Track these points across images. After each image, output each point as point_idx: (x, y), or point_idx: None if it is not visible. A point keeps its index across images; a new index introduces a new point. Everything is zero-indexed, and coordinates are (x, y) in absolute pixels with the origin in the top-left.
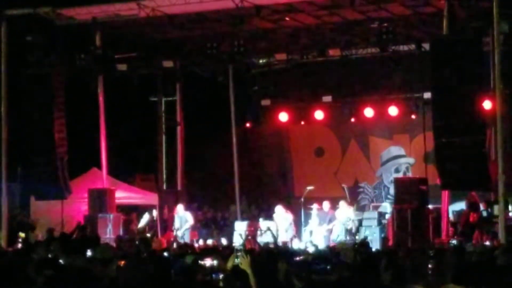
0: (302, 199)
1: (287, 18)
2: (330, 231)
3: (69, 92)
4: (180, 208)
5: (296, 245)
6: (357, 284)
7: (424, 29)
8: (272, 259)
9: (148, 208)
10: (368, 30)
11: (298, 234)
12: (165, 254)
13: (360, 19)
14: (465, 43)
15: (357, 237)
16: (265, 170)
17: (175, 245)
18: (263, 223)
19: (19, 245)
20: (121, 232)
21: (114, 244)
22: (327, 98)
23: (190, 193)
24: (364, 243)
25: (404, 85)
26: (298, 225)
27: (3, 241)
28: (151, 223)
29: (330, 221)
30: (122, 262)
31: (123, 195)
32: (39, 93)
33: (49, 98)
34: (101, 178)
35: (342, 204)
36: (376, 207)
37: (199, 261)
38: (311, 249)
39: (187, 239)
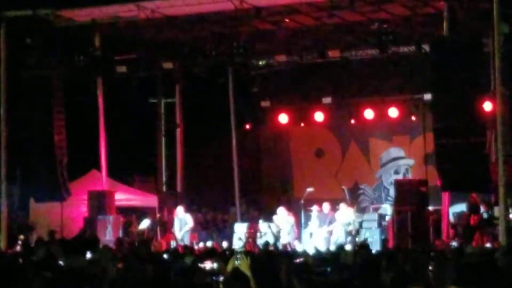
0: (302, 201)
1: (286, 20)
2: (330, 233)
3: (68, 94)
4: (180, 210)
5: (298, 247)
6: (357, 286)
7: (424, 30)
8: (272, 261)
9: (148, 210)
10: (368, 31)
11: (298, 236)
12: (165, 256)
13: (360, 20)
14: (465, 44)
15: (357, 239)
16: (265, 171)
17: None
18: (263, 225)
19: (18, 248)
20: (120, 234)
21: (113, 246)
22: (327, 100)
23: (190, 195)
24: (364, 245)
25: (404, 87)
26: (298, 227)
27: (2, 243)
28: (151, 227)
29: (330, 223)
30: (122, 264)
31: (123, 197)
32: (39, 95)
33: (48, 100)
34: (101, 180)
35: (342, 205)
36: (376, 209)
37: (199, 264)
38: (311, 251)
39: (186, 241)
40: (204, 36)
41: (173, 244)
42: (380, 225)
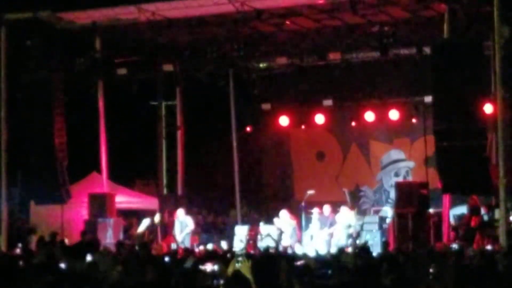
0: (303, 203)
1: (287, 22)
2: (331, 235)
3: (69, 96)
4: (180, 213)
5: (298, 249)
6: None
7: (425, 33)
8: (272, 263)
9: (148, 212)
10: (368, 33)
11: (300, 239)
12: (165, 259)
13: (361, 22)
14: (466, 47)
15: (358, 241)
16: (265, 174)
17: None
18: (263, 228)
19: (18, 250)
20: (121, 237)
21: (114, 249)
22: (328, 102)
23: (191, 198)
24: (365, 248)
25: (405, 89)
26: (299, 229)
27: (3, 246)
28: (151, 228)
29: (331, 225)
30: (122, 267)
31: (123, 200)
32: (39, 97)
33: (49, 102)
34: (101, 182)
35: (343, 208)
36: (377, 211)
37: (200, 266)
38: (312, 254)
39: (187, 244)
40: (205, 39)
41: (173, 246)
42: (380, 227)
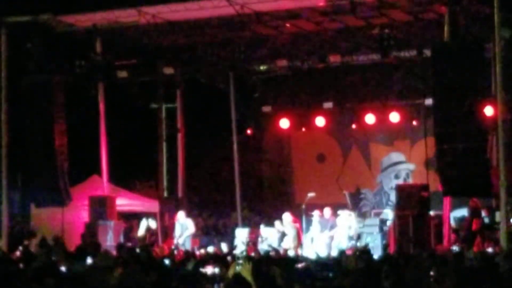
0: (304, 206)
1: (287, 25)
2: (332, 238)
3: (69, 99)
4: (181, 215)
5: (301, 253)
6: None
7: (425, 35)
8: (272, 266)
9: (149, 215)
10: (369, 36)
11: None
12: (166, 261)
13: (361, 25)
14: (466, 49)
15: (358, 244)
16: (266, 176)
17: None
18: (264, 230)
19: (18, 253)
20: (122, 240)
21: (114, 252)
22: (328, 105)
23: (191, 200)
24: (366, 250)
25: (405, 91)
26: (301, 232)
27: (3, 249)
28: (151, 230)
29: (332, 228)
30: (123, 270)
31: (124, 202)
32: (39, 100)
33: (49, 105)
34: (102, 185)
35: (344, 210)
36: (377, 214)
37: (201, 269)
38: (312, 256)
39: (188, 247)
40: (205, 41)
41: (174, 249)
42: (381, 230)
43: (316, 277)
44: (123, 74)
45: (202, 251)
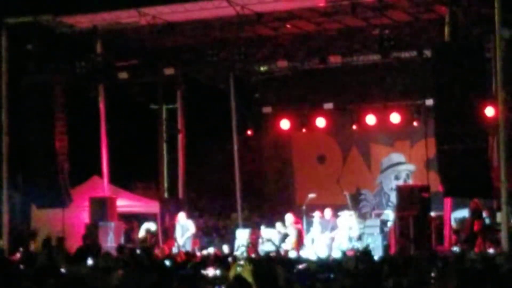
0: (304, 207)
1: (288, 25)
2: (332, 239)
3: (69, 100)
4: (181, 216)
5: (303, 254)
6: None
7: (425, 35)
8: (272, 268)
9: (149, 216)
10: (369, 36)
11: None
12: (167, 262)
13: (361, 25)
14: (467, 50)
15: (359, 245)
16: (266, 177)
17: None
18: (264, 231)
19: (18, 254)
20: (122, 241)
21: (115, 253)
22: (329, 105)
23: (192, 201)
24: (366, 251)
25: (406, 92)
26: (303, 233)
27: (4, 250)
28: (152, 232)
29: (333, 229)
30: (124, 271)
31: (124, 203)
32: (40, 101)
33: (49, 106)
34: (102, 186)
35: (344, 211)
36: (378, 215)
37: (201, 270)
38: (313, 257)
39: (188, 248)
40: (205, 42)
41: (174, 250)
42: (382, 231)
43: (316, 278)
44: (123, 75)
45: (204, 252)
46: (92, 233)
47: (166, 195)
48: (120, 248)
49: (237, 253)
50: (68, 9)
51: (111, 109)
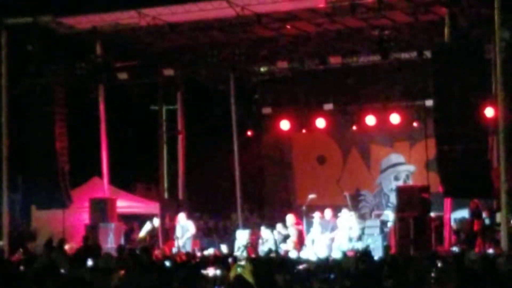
0: (304, 208)
1: (288, 26)
2: (332, 239)
3: (69, 101)
4: (181, 217)
5: (304, 254)
6: None
7: (425, 36)
8: (272, 268)
9: (149, 217)
10: (369, 37)
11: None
12: (167, 263)
13: (361, 26)
14: (467, 50)
15: (359, 245)
16: (266, 178)
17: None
18: (264, 232)
19: (17, 255)
20: (122, 242)
21: (115, 254)
22: (329, 106)
23: (192, 202)
24: (366, 252)
25: (405, 93)
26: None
27: (4, 251)
28: (152, 233)
29: (333, 229)
30: (124, 272)
31: (125, 204)
32: (40, 102)
33: (49, 107)
34: (102, 187)
35: (345, 212)
36: (378, 215)
37: (202, 271)
38: (313, 258)
39: (188, 248)
40: (205, 43)
41: (174, 251)
42: (382, 231)
43: (317, 279)
44: (123, 76)
45: (205, 253)
46: (92, 234)
47: (166, 196)
48: (120, 249)
49: (237, 253)
50: (68, 10)
51: (111, 110)
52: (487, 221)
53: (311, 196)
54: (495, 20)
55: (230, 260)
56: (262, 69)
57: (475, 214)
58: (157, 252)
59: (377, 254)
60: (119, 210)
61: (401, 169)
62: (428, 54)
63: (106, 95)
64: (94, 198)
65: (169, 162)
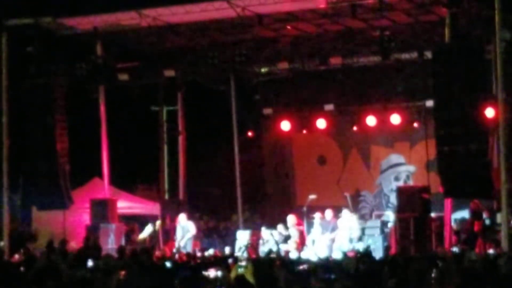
0: (305, 208)
1: (288, 27)
2: (333, 240)
3: (70, 102)
4: (182, 218)
5: (304, 255)
6: None
7: (426, 37)
8: (273, 268)
9: (150, 218)
10: (369, 38)
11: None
12: (168, 264)
13: (362, 27)
14: (467, 51)
15: (359, 246)
16: (267, 179)
17: (177, 256)
18: (265, 232)
19: (17, 256)
20: (123, 242)
21: (116, 254)
22: (329, 107)
23: (192, 203)
24: (367, 253)
25: (406, 93)
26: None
27: (4, 252)
28: (153, 234)
29: (333, 230)
30: (124, 272)
31: (125, 205)
32: (40, 103)
33: (50, 108)
34: (103, 188)
35: (345, 212)
36: (379, 216)
37: (203, 272)
38: (314, 259)
39: (189, 249)
40: (206, 44)
41: (175, 252)
42: (382, 232)
43: (317, 279)
44: (124, 76)
45: (206, 253)
46: (93, 235)
47: (166, 196)
48: (120, 250)
49: (237, 254)
50: (68, 11)
51: (112, 111)
52: (487, 222)
53: (312, 196)
54: (495, 20)
55: (230, 260)
56: (262, 70)
57: (476, 215)
58: (157, 253)
59: (378, 254)
60: (119, 211)
61: (401, 169)
62: (428, 54)
63: (106, 96)
64: (95, 198)
65: (170, 163)
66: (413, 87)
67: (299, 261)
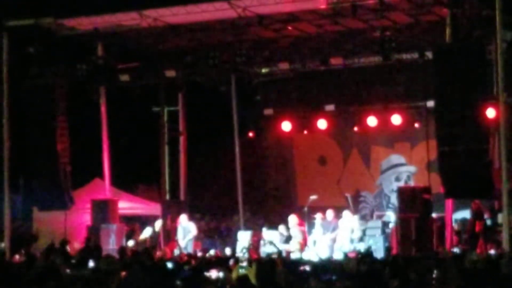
0: (306, 209)
1: (289, 27)
2: (334, 240)
3: (71, 103)
4: (183, 219)
5: (306, 255)
6: None
7: (427, 37)
8: (274, 269)
9: (151, 218)
10: (370, 38)
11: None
12: (169, 264)
13: (362, 27)
14: (468, 51)
15: (361, 246)
16: (268, 179)
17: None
18: (266, 233)
19: (18, 257)
20: (124, 243)
21: (117, 255)
22: (330, 107)
23: (193, 203)
24: (368, 253)
25: (407, 94)
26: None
27: (5, 252)
28: (153, 235)
29: (334, 230)
30: (125, 273)
31: (126, 206)
32: (41, 104)
33: (51, 108)
34: (104, 188)
35: (346, 213)
36: (380, 216)
37: (204, 272)
38: (315, 259)
39: (190, 250)
40: (207, 44)
41: (176, 252)
42: (383, 232)
43: (318, 280)
44: (125, 77)
45: (207, 254)
46: (94, 236)
47: (167, 197)
48: (121, 250)
49: (239, 255)
50: (69, 11)
51: (113, 112)
52: (488, 222)
53: (313, 197)
54: (496, 21)
55: (232, 261)
56: (263, 70)
57: (477, 215)
58: (158, 253)
59: (379, 255)
60: (120, 212)
61: (402, 170)
62: (429, 55)
63: (107, 97)
64: (96, 199)
65: (171, 164)
66: (414, 88)
67: (300, 261)
